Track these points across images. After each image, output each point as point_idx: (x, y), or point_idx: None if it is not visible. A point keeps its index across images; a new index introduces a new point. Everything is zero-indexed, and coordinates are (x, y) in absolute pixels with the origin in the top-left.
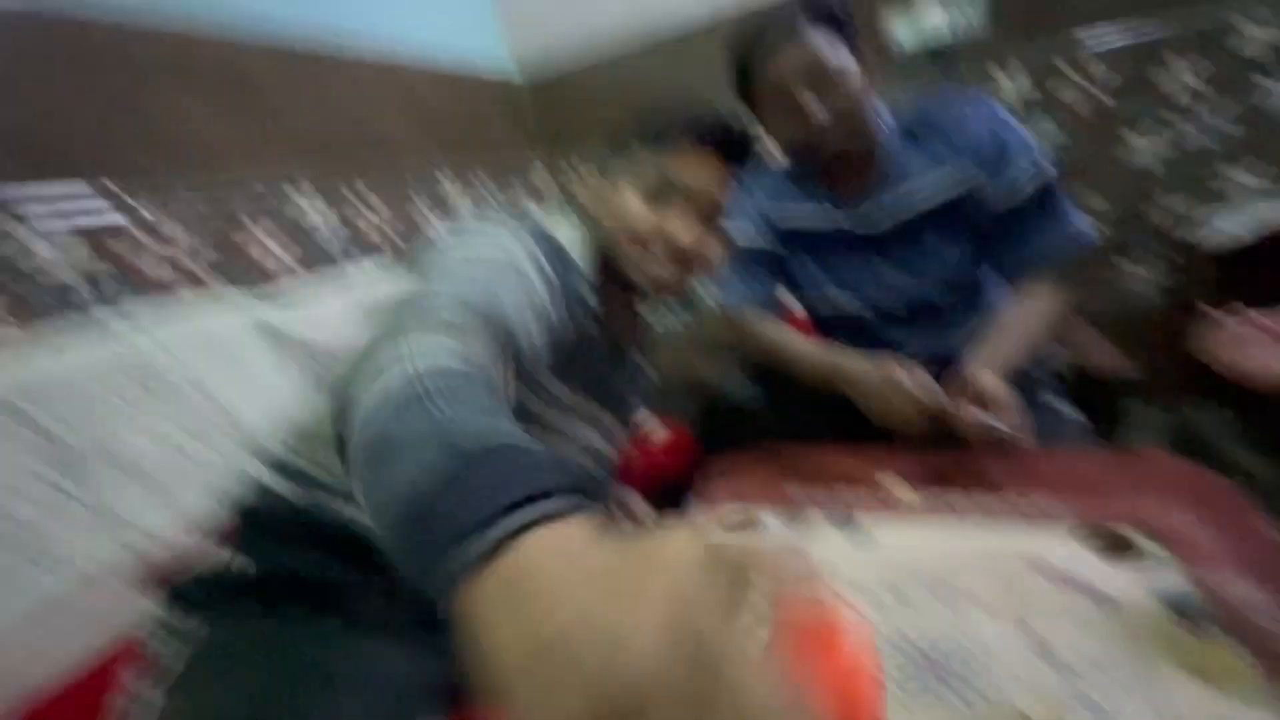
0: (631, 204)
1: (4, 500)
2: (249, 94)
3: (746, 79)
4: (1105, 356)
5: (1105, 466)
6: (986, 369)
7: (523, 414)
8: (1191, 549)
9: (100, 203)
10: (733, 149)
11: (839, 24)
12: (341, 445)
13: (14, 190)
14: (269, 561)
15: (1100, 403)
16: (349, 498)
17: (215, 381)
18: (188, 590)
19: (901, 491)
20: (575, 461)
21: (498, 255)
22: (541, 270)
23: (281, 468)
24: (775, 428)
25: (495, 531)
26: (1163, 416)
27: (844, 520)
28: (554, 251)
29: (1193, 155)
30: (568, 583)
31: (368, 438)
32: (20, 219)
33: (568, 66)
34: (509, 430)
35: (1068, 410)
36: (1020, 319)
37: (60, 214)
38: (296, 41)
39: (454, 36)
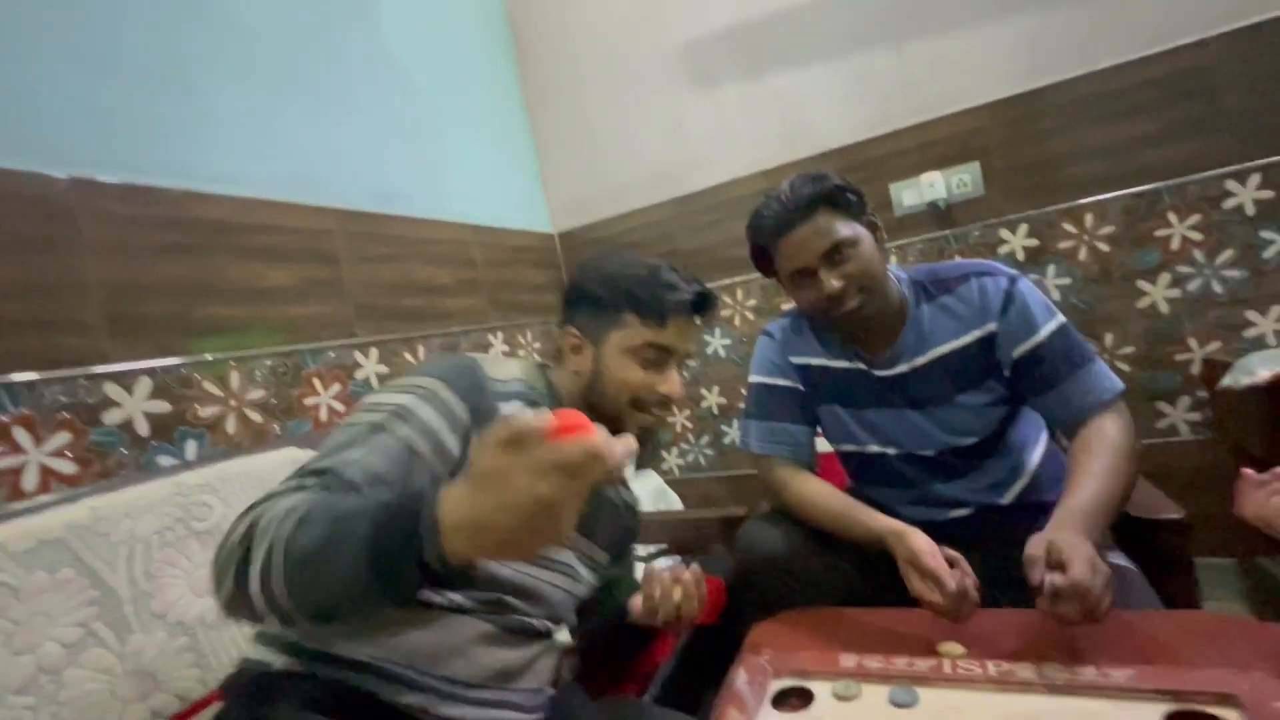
0: (633, 373)
1: (34, 640)
2: (325, 260)
3: (767, 258)
4: (1155, 503)
5: (1180, 631)
6: (1071, 535)
7: None
8: None
9: (178, 359)
10: (703, 306)
11: (849, 199)
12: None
13: (114, 359)
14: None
15: (1162, 555)
16: (329, 660)
17: None
18: None
19: (965, 663)
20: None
21: (373, 418)
22: (434, 425)
23: (271, 639)
24: (816, 582)
25: (428, 521)
26: (1233, 568)
27: (907, 698)
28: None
29: (1204, 300)
30: (460, 501)
31: (292, 556)
32: (111, 379)
33: (594, 219)
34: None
35: (1127, 564)
36: (1096, 464)
37: (146, 371)
38: (369, 213)
39: (508, 206)
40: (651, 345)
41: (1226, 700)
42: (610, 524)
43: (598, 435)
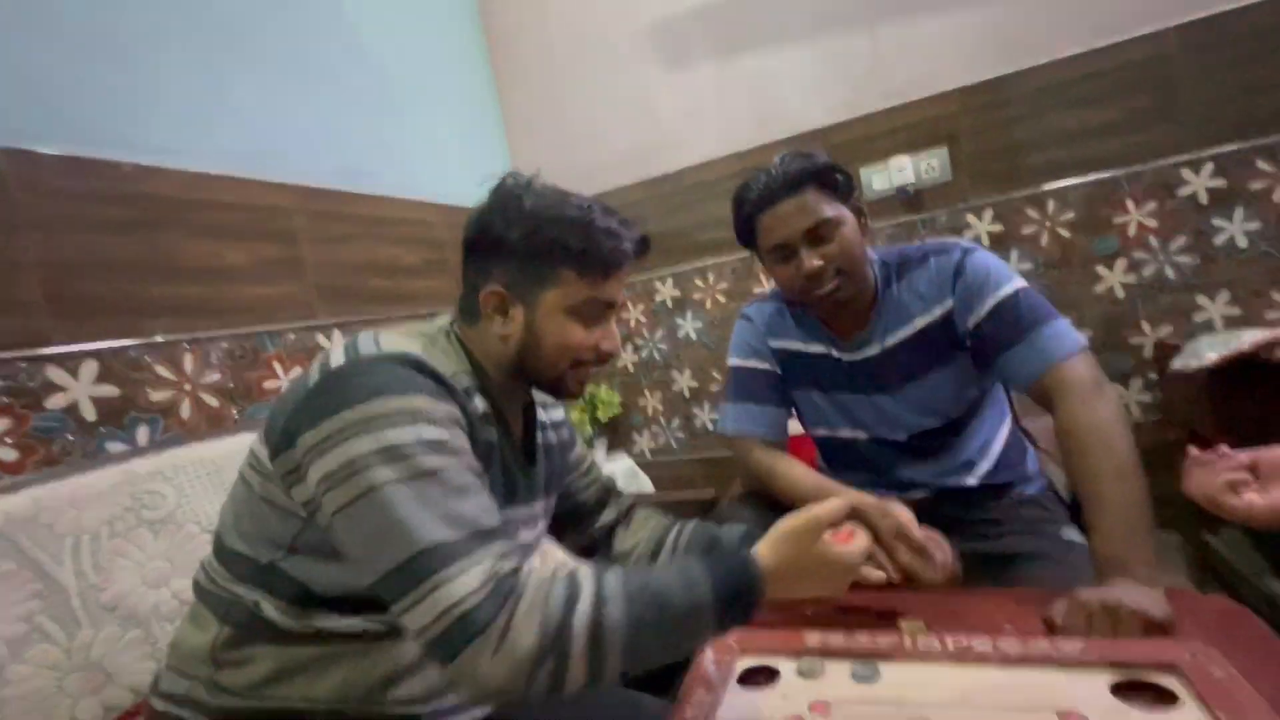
0: (575, 334)
1: None
2: (283, 239)
3: (750, 231)
4: None
5: None
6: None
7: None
8: (1230, 701)
9: (127, 341)
10: (643, 252)
11: (835, 180)
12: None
13: (56, 340)
14: None
15: None
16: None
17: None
18: None
19: (925, 639)
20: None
21: (423, 464)
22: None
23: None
24: None
25: (754, 578)
26: (1179, 543)
27: (868, 673)
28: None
29: (1158, 285)
30: (776, 581)
31: (637, 651)
32: (53, 361)
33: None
34: (683, 569)
35: (1079, 539)
36: (1094, 486)
37: (92, 353)
38: (329, 190)
39: (476, 185)
40: (593, 301)
41: (1168, 669)
42: (547, 466)
43: (861, 542)
